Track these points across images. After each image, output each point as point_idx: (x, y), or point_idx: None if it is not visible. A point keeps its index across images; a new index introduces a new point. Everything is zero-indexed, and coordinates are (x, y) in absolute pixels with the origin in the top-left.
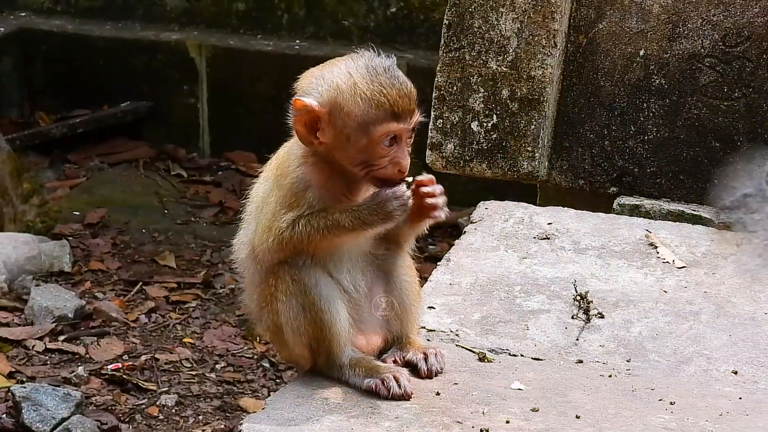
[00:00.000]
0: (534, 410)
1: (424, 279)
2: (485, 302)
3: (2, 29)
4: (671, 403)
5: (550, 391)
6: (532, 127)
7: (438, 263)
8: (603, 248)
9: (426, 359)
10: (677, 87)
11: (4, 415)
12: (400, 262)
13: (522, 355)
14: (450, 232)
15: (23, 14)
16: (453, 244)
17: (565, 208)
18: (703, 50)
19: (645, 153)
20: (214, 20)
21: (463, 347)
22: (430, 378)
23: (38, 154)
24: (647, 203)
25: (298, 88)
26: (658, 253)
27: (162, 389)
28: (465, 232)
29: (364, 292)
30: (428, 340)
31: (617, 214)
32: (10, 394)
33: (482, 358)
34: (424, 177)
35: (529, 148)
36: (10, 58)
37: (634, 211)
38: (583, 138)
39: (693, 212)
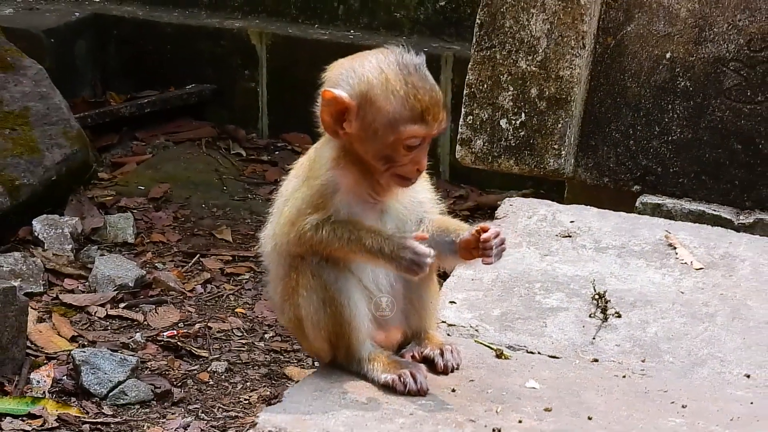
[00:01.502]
0: (547, 410)
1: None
2: (505, 298)
3: (78, 14)
4: (683, 406)
5: (564, 391)
6: (559, 125)
7: None
8: (623, 248)
9: (442, 355)
10: (702, 89)
11: (65, 377)
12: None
13: (539, 353)
14: (490, 214)
15: (98, 0)
16: None
17: (588, 207)
18: (728, 54)
19: (668, 153)
20: (274, 10)
21: (481, 343)
22: (446, 374)
23: (108, 132)
24: (669, 202)
25: (327, 79)
26: (676, 254)
27: (213, 356)
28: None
29: (386, 288)
30: (448, 335)
31: (640, 212)
32: (70, 357)
33: (499, 355)
34: (489, 227)
35: (556, 146)
36: (85, 41)
37: (656, 209)
38: (608, 137)
39: (713, 212)
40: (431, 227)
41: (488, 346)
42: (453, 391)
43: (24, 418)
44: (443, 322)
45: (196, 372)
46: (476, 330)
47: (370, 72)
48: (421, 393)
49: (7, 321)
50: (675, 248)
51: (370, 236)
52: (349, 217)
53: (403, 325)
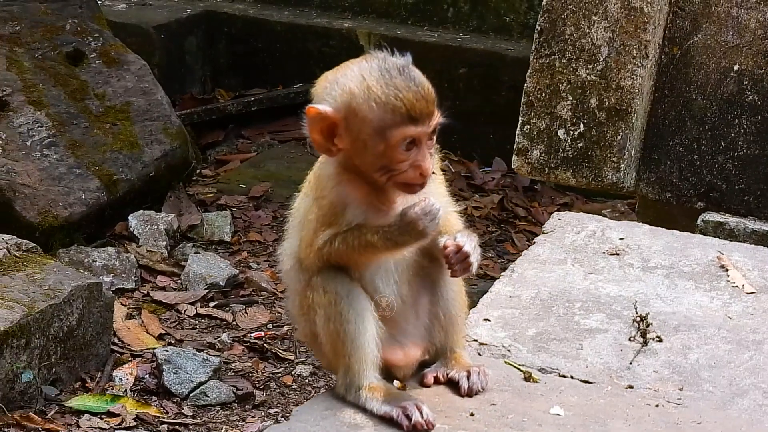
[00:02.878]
0: None
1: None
2: (542, 317)
3: (189, 10)
4: None
5: (590, 419)
6: (619, 137)
7: (502, 273)
8: (672, 268)
9: (468, 377)
10: None
11: (148, 376)
12: (446, 271)
13: (571, 377)
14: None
15: None
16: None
17: (640, 224)
18: None
19: (734, 169)
20: (384, 11)
21: (511, 364)
22: (470, 396)
23: (215, 129)
24: (732, 221)
25: (314, 94)
26: (728, 276)
27: (299, 359)
28: (534, 242)
29: (410, 302)
30: (479, 354)
31: (701, 230)
32: (154, 356)
33: (528, 378)
34: (451, 242)
35: (615, 159)
36: (195, 38)
37: (718, 228)
38: (672, 151)
39: None
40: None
41: (518, 368)
42: (471, 415)
43: (102, 416)
44: (474, 340)
45: (280, 375)
46: (508, 350)
47: (351, 81)
48: (428, 428)
49: (91, 317)
50: (727, 270)
51: (376, 236)
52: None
53: (426, 341)
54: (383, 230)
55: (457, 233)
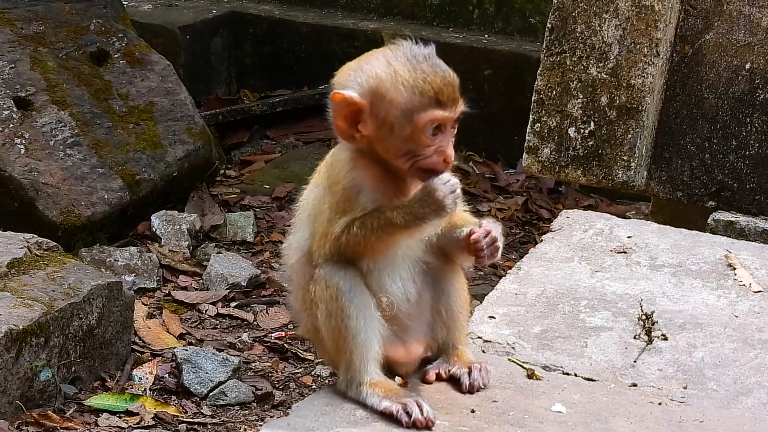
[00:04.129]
0: None
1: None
2: (548, 315)
3: (215, 11)
4: None
5: (591, 416)
6: (629, 136)
7: (508, 271)
8: (680, 266)
9: (470, 374)
10: None
11: (168, 375)
12: (450, 268)
13: (575, 374)
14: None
15: None
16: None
17: (648, 222)
18: None
19: (745, 168)
20: (410, 12)
21: (514, 362)
22: (471, 393)
23: (240, 129)
24: (743, 220)
25: (335, 83)
26: (735, 274)
27: (319, 359)
28: (542, 240)
29: (414, 299)
30: (483, 351)
31: (711, 229)
32: (173, 356)
33: (530, 375)
34: (481, 226)
35: (625, 157)
36: (221, 39)
37: (729, 227)
38: (683, 149)
39: None
40: (444, 223)
41: (521, 365)
42: (472, 412)
43: (121, 415)
44: (479, 337)
45: (299, 375)
46: (513, 347)
47: (378, 67)
48: (428, 425)
49: (111, 316)
50: (734, 269)
51: (396, 211)
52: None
53: (428, 338)
54: (403, 205)
55: (481, 220)
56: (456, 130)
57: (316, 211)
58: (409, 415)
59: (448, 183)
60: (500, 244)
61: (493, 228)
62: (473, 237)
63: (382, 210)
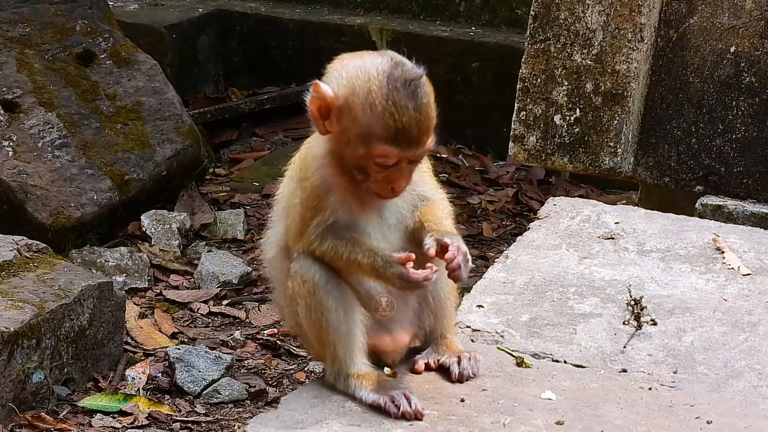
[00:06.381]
0: (559, 423)
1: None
2: (536, 303)
3: (201, 10)
4: (708, 422)
5: (581, 403)
6: (615, 122)
7: (495, 260)
8: (668, 251)
9: (459, 363)
10: None
11: (160, 375)
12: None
13: (564, 361)
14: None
15: None
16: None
17: (635, 208)
18: None
19: (732, 152)
20: (396, 6)
21: (503, 350)
22: (461, 382)
23: (228, 128)
24: (731, 204)
25: (327, 70)
26: (724, 258)
27: (311, 356)
28: (529, 228)
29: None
30: (472, 340)
31: (699, 214)
32: (166, 355)
33: (520, 363)
34: (448, 243)
35: (611, 144)
36: (208, 37)
37: (717, 211)
38: (669, 134)
39: None
40: (417, 218)
41: (510, 354)
42: (462, 400)
43: (115, 415)
44: (468, 327)
45: (292, 371)
46: (501, 336)
47: (356, 77)
48: (417, 417)
49: (103, 317)
50: (723, 252)
51: (365, 258)
52: (348, 223)
53: (414, 326)
54: (377, 262)
55: (445, 235)
56: (418, 164)
57: (288, 203)
58: (397, 407)
59: (426, 278)
60: (469, 257)
61: (461, 243)
62: (448, 256)
63: (356, 244)
